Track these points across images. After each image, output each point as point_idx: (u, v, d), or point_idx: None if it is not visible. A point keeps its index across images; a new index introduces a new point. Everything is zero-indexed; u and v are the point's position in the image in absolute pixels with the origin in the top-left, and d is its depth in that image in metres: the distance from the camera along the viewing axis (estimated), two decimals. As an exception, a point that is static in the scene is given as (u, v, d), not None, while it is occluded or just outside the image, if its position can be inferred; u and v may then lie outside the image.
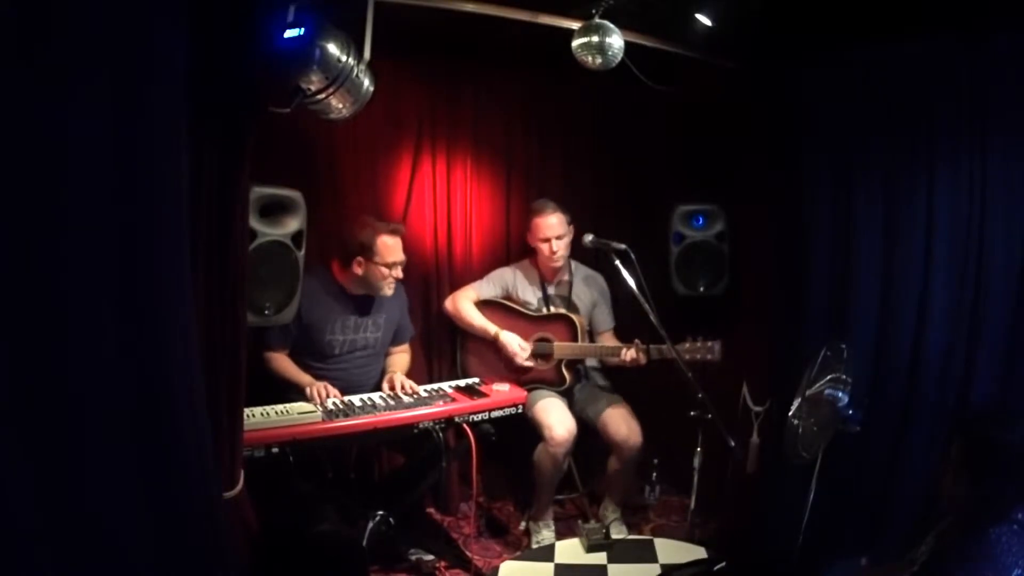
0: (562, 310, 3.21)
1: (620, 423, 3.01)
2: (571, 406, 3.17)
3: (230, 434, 1.90)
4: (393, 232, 2.79)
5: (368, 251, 2.73)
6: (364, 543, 2.49)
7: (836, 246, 2.67)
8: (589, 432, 3.16)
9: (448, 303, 3.25)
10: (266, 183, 2.33)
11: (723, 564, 2.38)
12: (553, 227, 3.10)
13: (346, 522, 2.52)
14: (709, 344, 2.87)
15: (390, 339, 3.00)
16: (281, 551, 2.23)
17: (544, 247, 3.14)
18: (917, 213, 2.51)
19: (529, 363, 3.12)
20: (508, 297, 3.27)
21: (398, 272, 2.81)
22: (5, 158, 1.10)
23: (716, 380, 2.89)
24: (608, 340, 3.23)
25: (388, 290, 2.82)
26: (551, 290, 3.27)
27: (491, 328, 3.13)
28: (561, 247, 3.13)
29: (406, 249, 2.83)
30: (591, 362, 3.36)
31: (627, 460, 3.04)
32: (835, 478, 2.45)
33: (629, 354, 2.96)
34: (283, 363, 2.74)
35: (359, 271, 2.76)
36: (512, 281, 3.28)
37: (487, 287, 3.27)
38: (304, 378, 2.69)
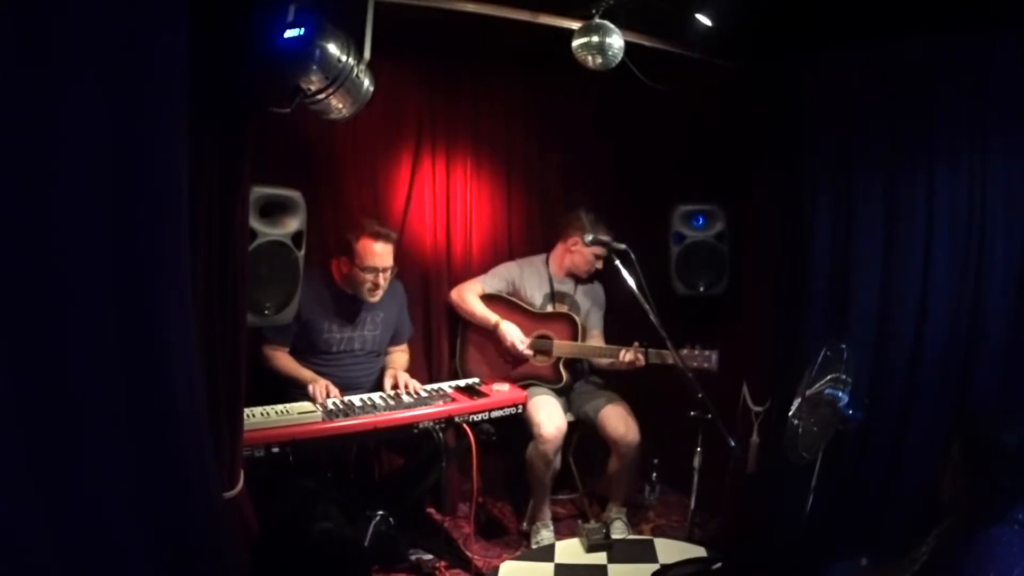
0: (565, 309, 3.22)
1: (618, 421, 3.01)
2: (569, 405, 3.18)
3: (230, 434, 1.90)
4: (378, 236, 2.65)
5: (349, 252, 2.70)
6: (365, 543, 2.49)
7: (836, 245, 2.68)
8: (588, 432, 3.17)
9: (453, 293, 3.25)
10: (266, 183, 2.33)
11: (719, 564, 2.38)
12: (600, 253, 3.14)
13: (346, 522, 2.52)
14: (707, 353, 2.88)
15: (389, 338, 3.00)
16: (281, 551, 2.23)
17: (597, 264, 3.19)
18: (917, 212, 2.51)
19: (528, 352, 3.12)
20: (513, 293, 3.27)
21: (379, 279, 2.69)
22: (3, 158, 1.10)
23: (716, 380, 2.89)
24: (596, 339, 3.24)
25: (370, 297, 2.73)
26: (558, 287, 3.27)
27: (492, 317, 3.13)
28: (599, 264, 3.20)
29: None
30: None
31: (626, 458, 3.03)
32: (835, 478, 2.45)
33: (628, 355, 2.96)
34: (284, 360, 2.74)
35: (345, 271, 2.76)
36: (518, 277, 3.28)
37: (493, 281, 3.28)
38: (305, 374, 2.69)
